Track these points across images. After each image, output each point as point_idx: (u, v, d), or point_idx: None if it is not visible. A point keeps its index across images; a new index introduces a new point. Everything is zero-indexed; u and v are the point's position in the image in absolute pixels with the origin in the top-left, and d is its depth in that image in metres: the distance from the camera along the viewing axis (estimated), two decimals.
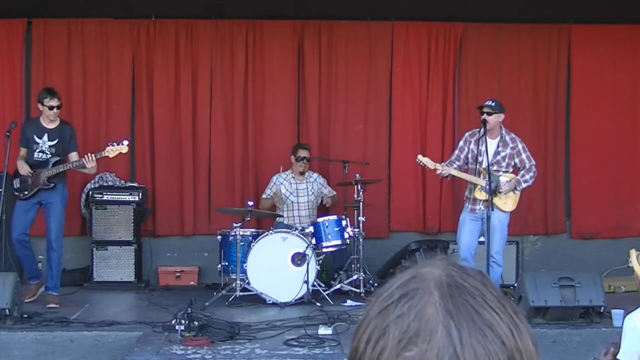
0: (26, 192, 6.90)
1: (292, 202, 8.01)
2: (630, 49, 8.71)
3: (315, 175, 8.23)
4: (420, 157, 6.90)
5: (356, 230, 7.45)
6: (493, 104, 6.73)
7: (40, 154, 6.93)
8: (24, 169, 6.84)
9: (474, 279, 0.86)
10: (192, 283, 8.40)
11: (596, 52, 8.72)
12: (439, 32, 8.66)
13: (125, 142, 6.92)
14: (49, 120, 6.95)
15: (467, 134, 7.01)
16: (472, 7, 8.49)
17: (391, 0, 8.57)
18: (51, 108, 6.89)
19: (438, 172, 6.81)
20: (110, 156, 6.90)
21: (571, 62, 8.76)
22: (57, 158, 6.96)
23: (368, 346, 0.83)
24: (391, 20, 8.63)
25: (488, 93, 8.60)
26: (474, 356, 0.79)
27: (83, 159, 6.77)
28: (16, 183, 6.92)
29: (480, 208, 6.78)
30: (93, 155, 6.80)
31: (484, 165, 6.72)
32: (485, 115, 6.70)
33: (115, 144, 6.87)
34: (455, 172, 6.82)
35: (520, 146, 6.90)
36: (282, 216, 7.92)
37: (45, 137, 6.93)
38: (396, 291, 0.85)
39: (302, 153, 8.00)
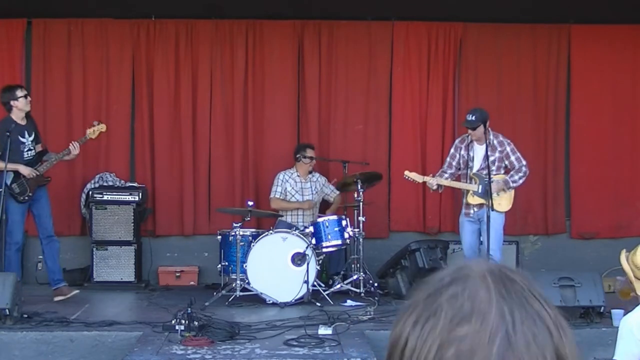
0: (30, 194, 6.83)
1: (298, 200, 8.01)
2: (630, 49, 8.71)
3: (317, 175, 8.24)
4: (407, 172, 7.12)
5: (356, 230, 7.45)
6: (473, 118, 6.82)
7: (29, 152, 6.90)
8: (28, 169, 6.76)
9: (520, 276, 0.88)
10: (192, 283, 8.40)
11: (596, 52, 8.73)
12: (439, 32, 8.66)
13: (100, 123, 7.16)
14: (21, 117, 6.86)
15: (457, 141, 7.23)
16: (472, 7, 8.48)
17: (391, 0, 8.56)
18: (26, 97, 6.87)
19: (428, 184, 6.99)
20: (93, 137, 7.11)
21: (571, 62, 8.76)
22: (41, 150, 7.00)
23: (416, 327, 0.84)
24: (391, 20, 8.63)
25: (488, 93, 8.63)
26: (525, 341, 0.81)
27: (70, 147, 6.90)
28: (16, 187, 6.74)
29: (473, 211, 6.98)
30: (77, 142, 6.96)
31: (475, 170, 6.93)
32: (470, 131, 6.87)
33: (96, 123, 7.13)
34: (445, 182, 7.04)
35: (508, 149, 7.02)
36: (282, 215, 7.92)
37: (26, 135, 6.89)
38: (447, 277, 0.87)
39: (310, 153, 8.02)
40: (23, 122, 6.88)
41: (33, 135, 6.93)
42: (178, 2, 8.58)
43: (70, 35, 8.47)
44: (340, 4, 8.54)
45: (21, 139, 6.84)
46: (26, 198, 6.82)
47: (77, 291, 7.14)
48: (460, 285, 0.84)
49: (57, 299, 6.92)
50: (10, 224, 6.77)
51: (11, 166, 6.68)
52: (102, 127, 7.15)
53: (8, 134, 6.68)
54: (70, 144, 6.94)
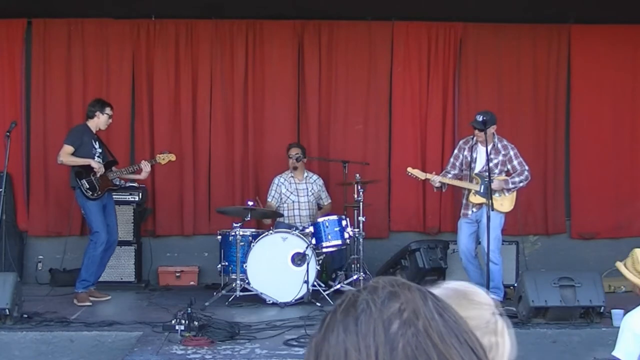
0: (99, 193, 7.11)
1: (293, 201, 8.01)
2: (630, 49, 8.72)
3: (315, 176, 8.23)
4: (409, 169, 7.10)
5: (356, 230, 7.44)
6: (484, 119, 6.80)
7: (98, 158, 7.21)
8: (97, 163, 7.09)
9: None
10: (192, 283, 8.41)
11: (596, 52, 8.73)
12: (439, 32, 8.66)
13: (170, 153, 7.50)
14: (95, 129, 7.25)
15: (461, 142, 7.25)
16: (472, 7, 8.48)
17: (391, 0, 8.56)
18: (110, 117, 7.27)
19: (430, 181, 7.01)
20: (162, 163, 7.48)
21: (571, 62, 8.76)
22: (113, 162, 7.32)
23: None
24: (391, 20, 8.63)
25: (488, 93, 8.63)
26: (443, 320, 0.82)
27: (142, 164, 7.29)
28: (85, 183, 7.06)
29: (472, 211, 7.02)
30: (147, 162, 7.34)
31: (476, 171, 6.95)
32: (477, 132, 6.86)
33: (166, 152, 7.48)
34: (447, 180, 7.04)
35: (512, 153, 7.04)
36: (282, 215, 7.92)
37: (97, 143, 7.26)
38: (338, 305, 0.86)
39: (295, 151, 8.02)
40: (96, 134, 7.29)
41: (102, 149, 7.28)
42: (178, 2, 8.58)
43: (70, 35, 8.48)
44: (340, 4, 8.54)
45: (93, 143, 7.21)
46: (96, 195, 7.08)
47: (109, 297, 7.35)
48: (365, 291, 0.84)
49: (100, 299, 7.22)
50: (95, 224, 7.08)
51: (84, 160, 7.04)
52: (172, 157, 7.49)
53: (8, 134, 6.77)
54: (142, 163, 7.32)
